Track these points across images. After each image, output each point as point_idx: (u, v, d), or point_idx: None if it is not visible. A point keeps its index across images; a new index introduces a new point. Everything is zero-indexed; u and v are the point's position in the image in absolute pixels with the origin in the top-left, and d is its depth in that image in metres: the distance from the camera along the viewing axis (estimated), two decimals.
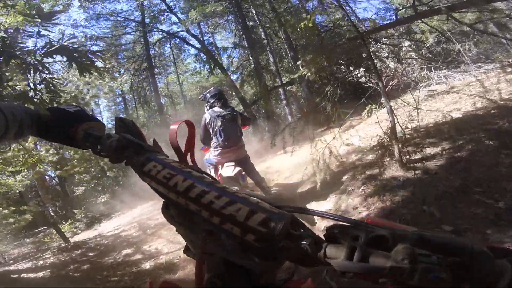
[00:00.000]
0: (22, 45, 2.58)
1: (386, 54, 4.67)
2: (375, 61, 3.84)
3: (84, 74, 2.79)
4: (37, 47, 2.56)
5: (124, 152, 0.51)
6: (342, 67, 4.38)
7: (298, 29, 3.49)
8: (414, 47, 4.99)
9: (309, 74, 2.88)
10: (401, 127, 3.30)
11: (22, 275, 4.23)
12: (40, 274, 4.04)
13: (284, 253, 0.35)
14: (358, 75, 4.46)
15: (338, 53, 3.16)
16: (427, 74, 5.73)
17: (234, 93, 11.79)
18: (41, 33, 2.52)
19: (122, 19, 12.81)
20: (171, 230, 4.15)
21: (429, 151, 3.08)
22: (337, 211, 2.75)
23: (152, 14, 13.13)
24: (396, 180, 2.74)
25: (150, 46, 13.21)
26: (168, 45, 14.52)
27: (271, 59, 12.73)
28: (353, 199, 2.84)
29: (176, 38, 14.17)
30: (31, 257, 5.26)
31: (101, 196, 10.35)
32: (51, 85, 2.87)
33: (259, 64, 12.06)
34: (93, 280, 3.39)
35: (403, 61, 5.00)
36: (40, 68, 2.69)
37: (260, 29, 13.12)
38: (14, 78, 2.90)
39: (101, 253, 4.42)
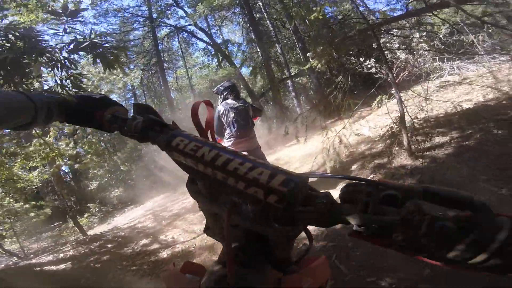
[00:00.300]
0: (47, 42, 2.70)
1: (397, 45, 4.61)
2: (386, 52, 3.81)
3: (109, 69, 2.89)
4: (64, 44, 2.66)
5: (149, 131, 0.53)
6: (352, 58, 4.36)
7: (307, 21, 3.48)
8: (426, 38, 4.90)
9: (319, 65, 2.90)
10: (410, 116, 3.31)
11: (44, 268, 4.35)
12: (62, 266, 4.18)
13: (303, 214, 0.38)
14: (369, 65, 4.43)
15: (348, 44, 3.16)
16: (439, 65, 5.63)
17: (242, 86, 11.80)
18: (67, 30, 2.61)
19: (129, 14, 12.90)
20: (186, 220, 4.30)
21: (438, 140, 3.10)
22: None
23: (159, 9, 13.16)
24: (404, 168, 2.80)
25: (158, 41, 13.28)
26: (176, 40, 14.61)
27: (279, 51, 12.64)
28: None
29: (184, 32, 14.22)
30: (51, 251, 5.44)
31: (114, 190, 10.57)
32: (77, 81, 2.99)
33: (267, 56, 11.99)
34: (114, 270, 3.53)
35: (415, 52, 4.93)
36: (68, 64, 2.81)
37: (268, 21, 13.00)
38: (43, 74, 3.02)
39: (119, 245, 4.58)
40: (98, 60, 2.76)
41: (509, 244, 0.28)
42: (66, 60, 2.77)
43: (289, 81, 11.87)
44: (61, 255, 4.82)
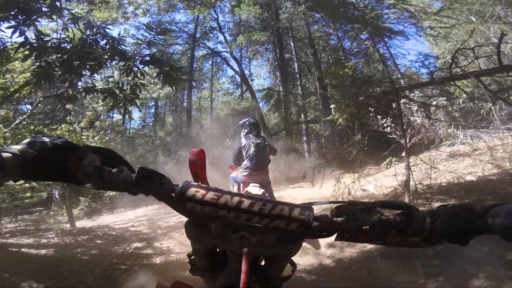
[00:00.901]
0: (125, 48, 3.04)
1: (415, 108, 4.92)
2: (402, 113, 4.08)
3: (170, 87, 3.18)
4: (142, 55, 2.98)
5: (144, 183, 0.53)
6: (371, 115, 4.65)
7: (334, 73, 3.84)
8: (445, 103, 5.17)
9: (340, 119, 3.15)
10: (415, 181, 3.50)
11: (22, 249, 4.21)
12: (43, 251, 4.08)
13: (313, 231, 0.52)
14: (385, 124, 4.70)
15: (371, 104, 3.44)
16: (453, 131, 5.78)
17: (258, 119, 12.17)
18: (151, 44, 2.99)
19: (177, 29, 13.67)
20: (183, 234, 4.27)
21: (436, 205, 3.26)
22: (343, 244, 3.18)
23: (203, 30, 14.14)
24: None
25: (194, 59, 14.09)
26: (210, 62, 15.54)
27: (300, 93, 13.22)
28: None
29: (218, 57, 15.18)
30: (31, 234, 5.32)
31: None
32: (138, 89, 3.27)
33: (288, 96, 12.55)
34: (101, 266, 3.50)
35: (432, 116, 5.21)
36: (138, 74, 3.09)
37: (295, 63, 13.79)
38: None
39: (110, 242, 4.52)
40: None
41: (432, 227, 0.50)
42: (137, 69, 3.05)
43: (303, 125, 12.24)
44: (44, 240, 4.72)
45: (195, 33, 14.13)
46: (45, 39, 2.76)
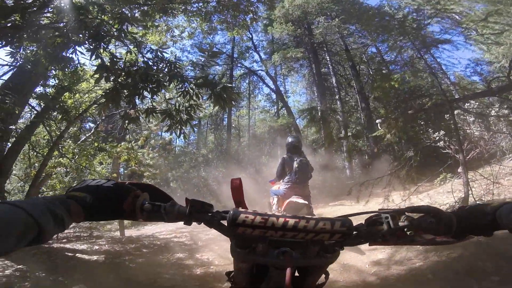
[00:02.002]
0: (181, 71, 3.30)
1: (472, 119, 4.50)
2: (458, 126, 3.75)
3: (221, 108, 3.39)
4: (197, 77, 3.23)
5: (196, 213, 0.59)
6: (420, 128, 4.35)
7: (379, 86, 3.70)
8: (507, 112, 4.67)
9: (388, 135, 3.01)
10: (474, 198, 3.15)
11: (76, 254, 4.44)
12: (94, 257, 4.30)
13: (353, 240, 0.58)
14: (437, 138, 4.35)
15: (421, 117, 3.24)
16: None
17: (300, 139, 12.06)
18: (204, 66, 3.26)
19: (216, 50, 14.58)
20: (222, 247, 4.34)
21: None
22: (390, 261, 3.12)
23: (240, 50, 14.80)
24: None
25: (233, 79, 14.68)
26: (247, 81, 16.10)
27: (339, 108, 12.89)
28: (410, 252, 3.08)
29: (254, 76, 15.67)
30: (85, 241, 5.64)
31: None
32: (193, 111, 3.52)
33: (327, 112, 12.32)
34: (147, 274, 3.63)
35: (491, 128, 4.72)
36: (194, 96, 3.33)
37: (333, 78, 13.58)
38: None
39: (155, 252, 4.71)
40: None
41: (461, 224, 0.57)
42: (193, 91, 3.30)
43: (343, 141, 11.84)
44: (96, 247, 4.96)
45: (232, 54, 14.81)
46: (118, 62, 3.09)
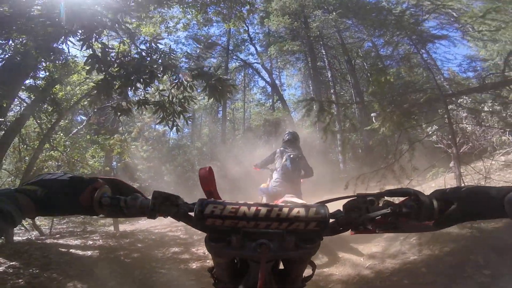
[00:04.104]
0: (175, 62, 3.23)
1: (464, 115, 4.55)
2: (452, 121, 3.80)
3: (216, 100, 3.34)
4: (192, 68, 3.17)
5: (161, 206, 0.55)
6: (414, 122, 4.40)
7: (376, 81, 3.70)
8: (498, 108, 4.73)
9: (383, 128, 3.03)
10: None
11: (70, 250, 4.37)
12: (89, 252, 4.26)
13: (332, 229, 0.55)
14: (430, 132, 4.40)
15: (416, 112, 3.26)
16: (508, 139, 5.33)
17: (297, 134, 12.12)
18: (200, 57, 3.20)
19: (211, 42, 14.08)
20: None
21: None
22: (384, 254, 3.15)
23: (235, 42, 14.61)
24: (449, 235, 2.92)
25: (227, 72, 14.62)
26: (242, 74, 15.99)
27: (334, 101, 12.89)
28: (404, 246, 3.15)
29: (250, 68, 15.56)
30: (79, 236, 5.61)
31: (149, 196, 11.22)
32: (186, 102, 3.45)
33: (322, 105, 12.31)
34: (142, 268, 3.61)
35: (483, 123, 4.79)
36: (188, 87, 3.27)
37: (328, 72, 13.57)
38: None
39: (150, 246, 4.69)
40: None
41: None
42: (187, 83, 3.23)
43: (338, 135, 11.90)
44: (90, 242, 4.95)
45: (228, 46, 14.68)
46: (110, 52, 3.00)
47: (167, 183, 11.26)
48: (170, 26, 6.85)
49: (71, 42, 2.97)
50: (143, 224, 7.73)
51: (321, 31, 12.82)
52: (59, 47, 3.09)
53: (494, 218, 0.50)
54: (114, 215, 0.56)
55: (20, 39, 3.15)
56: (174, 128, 3.58)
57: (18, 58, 3.70)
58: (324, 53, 13.52)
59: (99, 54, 2.89)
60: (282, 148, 3.80)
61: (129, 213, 0.56)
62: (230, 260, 0.60)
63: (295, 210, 0.51)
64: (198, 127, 16.40)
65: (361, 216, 0.54)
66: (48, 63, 3.98)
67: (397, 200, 0.58)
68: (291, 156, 3.63)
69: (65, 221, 7.76)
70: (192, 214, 0.54)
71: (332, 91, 13.28)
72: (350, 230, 0.57)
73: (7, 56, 3.78)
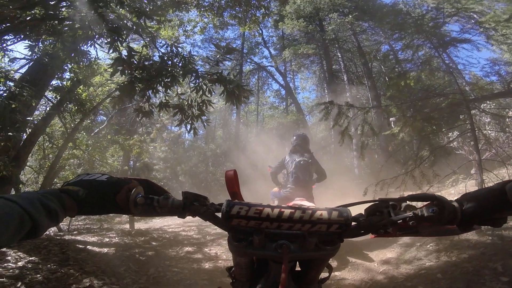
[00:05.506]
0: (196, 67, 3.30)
1: (487, 120, 4.38)
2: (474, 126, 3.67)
3: (233, 105, 3.36)
4: (211, 72, 3.22)
5: (191, 205, 0.58)
6: (434, 128, 4.28)
7: (396, 85, 3.63)
8: None
9: (402, 134, 2.96)
10: None
11: (87, 247, 4.46)
12: (105, 249, 4.32)
13: (353, 231, 0.55)
14: (451, 139, 4.25)
15: (436, 117, 3.17)
16: None
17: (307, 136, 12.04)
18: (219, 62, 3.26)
19: (231, 47, 14.51)
20: None
21: None
22: (399, 260, 3.10)
23: (249, 45, 14.76)
24: (468, 242, 2.84)
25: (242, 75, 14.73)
26: (256, 76, 16.07)
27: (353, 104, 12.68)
28: (420, 252, 3.07)
29: (264, 71, 15.61)
30: (96, 233, 5.69)
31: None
32: (204, 106, 3.53)
33: (341, 108, 12.13)
34: (156, 266, 3.67)
35: (507, 129, 4.58)
36: (206, 91, 3.34)
37: (344, 75, 13.38)
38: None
39: (164, 245, 4.75)
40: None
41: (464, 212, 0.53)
42: (206, 87, 3.30)
43: (353, 139, 11.67)
44: (106, 239, 5.03)
45: (242, 49, 14.77)
46: (135, 55, 3.09)
47: (181, 183, 11.44)
48: (188, 30, 7.03)
49: (99, 45, 3.09)
50: (157, 222, 7.88)
51: (336, 34, 12.70)
52: (87, 49, 3.23)
53: (504, 210, 0.50)
54: (147, 214, 0.60)
55: (49, 41, 3.32)
56: (191, 131, 3.65)
57: (46, 60, 3.90)
58: (339, 56, 13.38)
59: (124, 57, 2.99)
60: (290, 153, 3.74)
61: (161, 212, 0.59)
62: (250, 260, 0.62)
63: (318, 212, 0.52)
64: (212, 129, 16.60)
65: (383, 220, 0.55)
66: (72, 64, 4.16)
67: (418, 205, 0.58)
68: (301, 162, 3.60)
69: (82, 218, 7.94)
70: (218, 214, 0.57)
71: (347, 94, 13.09)
72: (370, 233, 0.57)
73: (35, 57, 3.98)
